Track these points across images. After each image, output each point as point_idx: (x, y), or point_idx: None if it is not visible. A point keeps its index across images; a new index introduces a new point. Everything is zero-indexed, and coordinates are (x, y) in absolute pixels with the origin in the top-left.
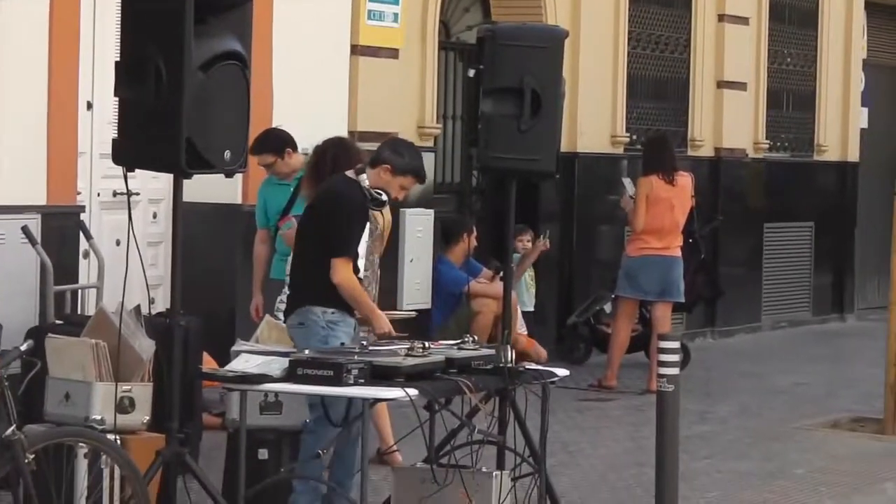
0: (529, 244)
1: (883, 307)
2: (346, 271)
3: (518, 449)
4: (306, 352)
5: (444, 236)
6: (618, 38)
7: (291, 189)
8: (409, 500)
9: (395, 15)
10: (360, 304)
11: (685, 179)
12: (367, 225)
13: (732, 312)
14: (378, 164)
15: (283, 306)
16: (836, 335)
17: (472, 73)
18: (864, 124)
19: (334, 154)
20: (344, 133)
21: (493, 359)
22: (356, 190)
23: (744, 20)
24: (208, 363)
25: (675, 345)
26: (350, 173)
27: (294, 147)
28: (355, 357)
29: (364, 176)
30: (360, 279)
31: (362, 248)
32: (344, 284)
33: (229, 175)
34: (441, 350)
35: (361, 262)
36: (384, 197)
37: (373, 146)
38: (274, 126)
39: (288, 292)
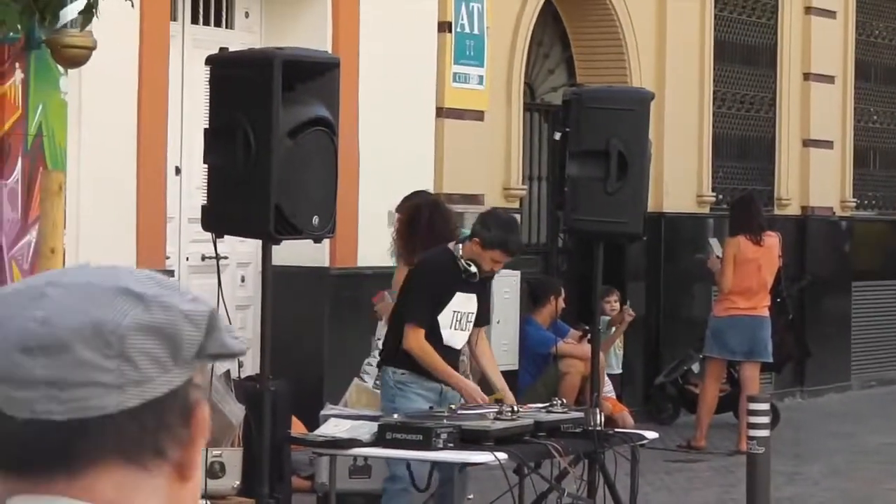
0: (617, 305)
1: None
2: (414, 338)
3: None
4: (395, 416)
5: (533, 297)
6: (703, 98)
7: None
8: None
9: (481, 77)
10: (436, 372)
11: (772, 239)
12: (463, 299)
13: (822, 372)
14: (472, 237)
15: (369, 368)
16: None
17: (558, 135)
18: None
19: (430, 215)
20: None
21: (582, 422)
22: (445, 259)
23: (829, 78)
24: (297, 427)
25: (765, 406)
26: (451, 245)
27: None
28: (444, 421)
29: (460, 246)
30: (449, 349)
31: (447, 318)
32: (412, 350)
33: (318, 240)
34: (530, 413)
35: (448, 333)
36: (473, 269)
37: (459, 208)
38: (420, 189)
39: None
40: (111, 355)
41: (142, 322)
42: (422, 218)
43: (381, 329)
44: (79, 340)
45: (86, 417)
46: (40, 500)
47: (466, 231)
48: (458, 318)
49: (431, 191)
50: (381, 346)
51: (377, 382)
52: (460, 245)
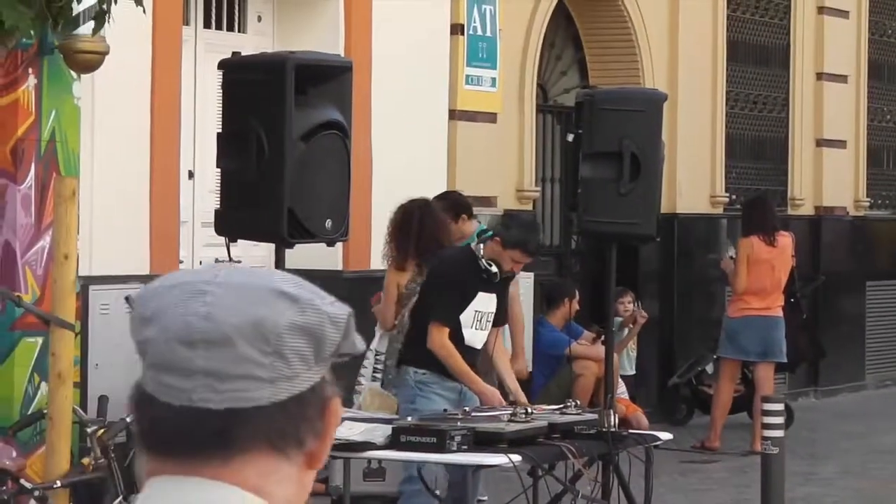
0: (631, 306)
1: None
2: (438, 336)
3: None
4: (409, 419)
5: (547, 299)
6: (716, 99)
7: None
8: None
9: (493, 79)
10: (455, 372)
11: (786, 240)
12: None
13: (836, 372)
14: (493, 237)
15: (365, 371)
16: None
17: (571, 137)
18: None
19: (420, 218)
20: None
21: (596, 423)
22: (465, 259)
23: (842, 78)
24: None
25: (780, 407)
26: (473, 244)
27: (470, 213)
28: (458, 423)
29: (481, 246)
30: (470, 349)
31: (468, 318)
32: (436, 350)
33: (331, 244)
34: (544, 415)
35: (469, 332)
36: (494, 269)
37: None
38: (453, 189)
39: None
40: (268, 352)
41: (296, 322)
42: (413, 221)
43: (378, 339)
44: (240, 336)
45: (241, 408)
46: (189, 481)
47: (482, 226)
48: (479, 318)
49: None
50: (372, 345)
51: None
52: (482, 245)
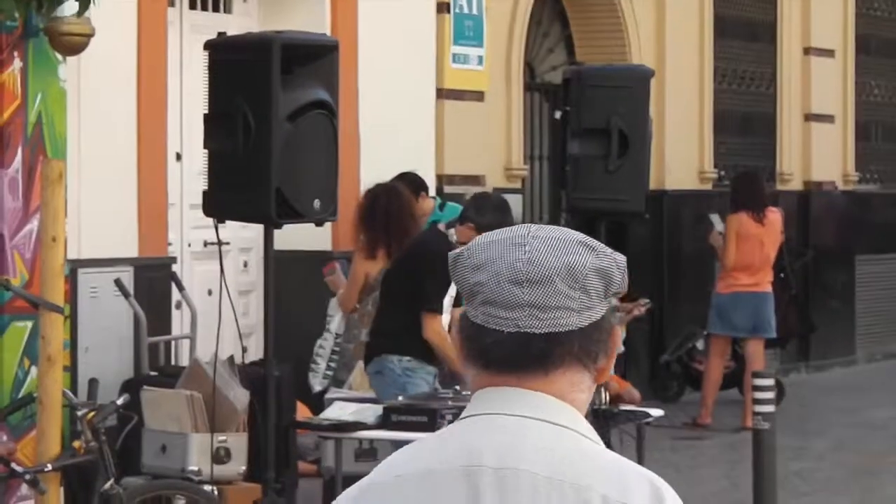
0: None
1: None
2: (437, 326)
3: None
4: (400, 398)
5: None
6: (703, 75)
7: None
8: None
9: (480, 58)
10: (450, 361)
11: (775, 215)
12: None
13: (826, 346)
14: (465, 221)
15: (322, 351)
16: None
17: (558, 114)
18: None
19: (386, 203)
20: (431, 178)
21: None
22: (445, 245)
23: (829, 52)
24: (302, 411)
25: (770, 382)
26: (441, 227)
27: (426, 191)
28: (449, 402)
29: (453, 231)
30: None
31: (446, 304)
32: (433, 340)
33: (319, 224)
34: None
35: (445, 318)
36: None
37: (460, 189)
38: (410, 170)
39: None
40: (576, 288)
41: (595, 265)
42: (378, 205)
43: (333, 308)
44: (557, 276)
45: (557, 332)
46: (515, 391)
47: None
48: (450, 303)
49: (433, 172)
50: (329, 329)
51: (328, 373)
52: (452, 230)
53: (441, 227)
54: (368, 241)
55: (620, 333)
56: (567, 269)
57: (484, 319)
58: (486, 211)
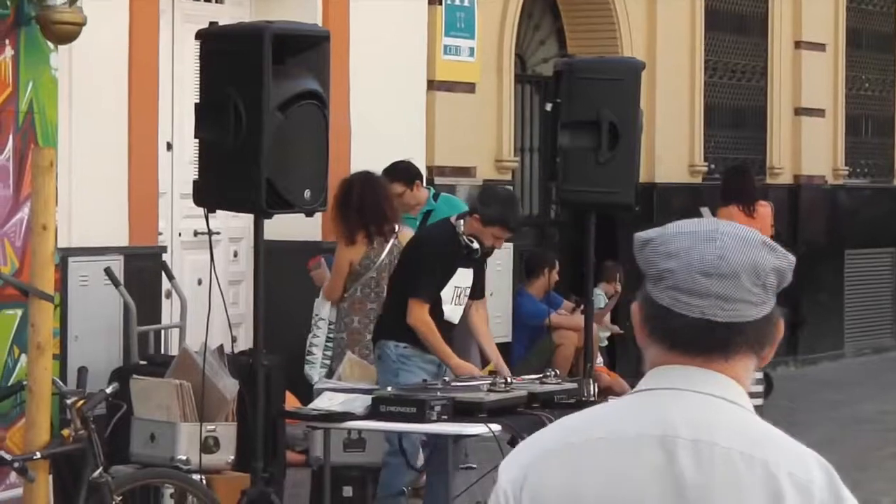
0: (618, 287)
1: None
2: (419, 313)
3: None
4: (389, 389)
5: (526, 270)
6: (694, 68)
7: (417, 223)
8: None
9: (471, 49)
10: (433, 348)
11: (765, 209)
12: (463, 275)
13: (815, 340)
14: (472, 213)
15: (315, 341)
16: None
17: (549, 107)
18: None
19: (361, 189)
20: (422, 169)
21: (576, 392)
22: (447, 235)
23: (820, 46)
24: (291, 401)
25: (759, 376)
26: (453, 219)
27: (422, 180)
28: (437, 393)
29: (462, 222)
30: (448, 324)
31: (448, 294)
32: (417, 326)
33: (310, 214)
34: (523, 385)
35: (449, 308)
36: (475, 245)
37: (451, 181)
38: (403, 159)
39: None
40: (758, 284)
41: (774, 265)
42: (353, 194)
43: (321, 304)
44: (743, 272)
45: (738, 322)
46: (696, 370)
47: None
48: (458, 294)
49: (423, 164)
50: (321, 317)
51: (325, 363)
52: (461, 221)
53: (453, 219)
54: (346, 228)
55: (782, 327)
56: (752, 266)
57: (670, 303)
58: (492, 203)
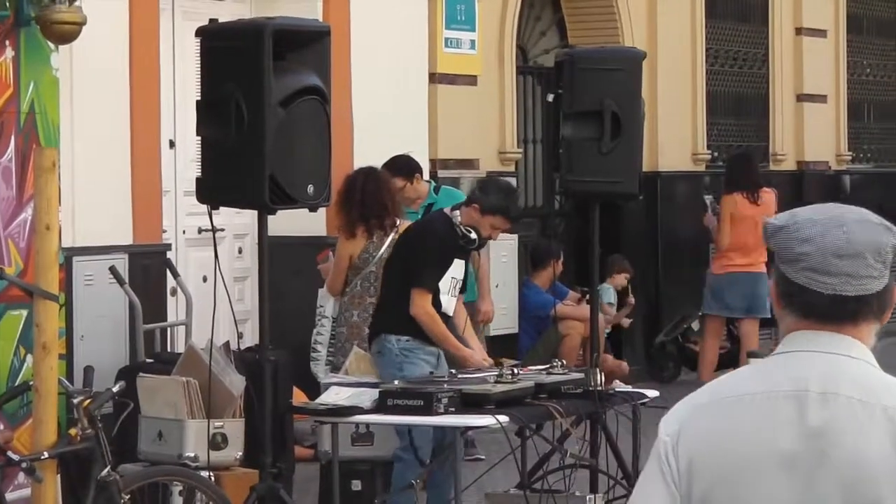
0: (625, 280)
1: None
2: (423, 302)
3: (611, 471)
4: (396, 382)
5: (532, 261)
6: (695, 56)
7: (419, 217)
8: None
9: (472, 42)
10: (437, 339)
11: (769, 196)
12: (458, 266)
13: None
14: (470, 203)
15: (320, 338)
16: None
17: (551, 97)
18: None
19: (363, 182)
20: (425, 162)
21: (583, 382)
22: (445, 226)
23: (821, 32)
24: (298, 397)
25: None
26: (447, 210)
27: (421, 173)
28: (445, 386)
29: (457, 213)
30: (446, 316)
31: (445, 285)
32: (420, 317)
33: (313, 209)
34: (530, 375)
35: (445, 299)
36: (473, 235)
37: (454, 174)
38: (403, 153)
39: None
40: (879, 261)
41: (893, 243)
42: (356, 186)
43: (324, 297)
44: (868, 252)
45: (864, 295)
46: (828, 333)
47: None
48: (454, 285)
49: (426, 157)
50: (324, 314)
51: (329, 359)
52: (457, 212)
53: (447, 210)
54: (347, 221)
55: None
56: (875, 246)
57: (806, 282)
58: (491, 193)
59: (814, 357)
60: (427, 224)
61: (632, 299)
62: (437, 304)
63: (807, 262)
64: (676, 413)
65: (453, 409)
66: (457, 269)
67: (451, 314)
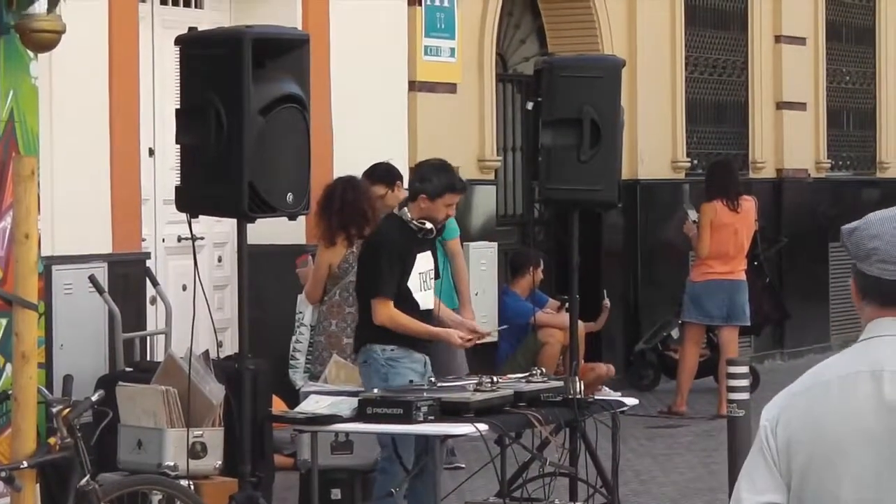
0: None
1: None
2: (384, 310)
3: (590, 479)
4: (375, 391)
5: (512, 269)
6: (675, 64)
7: None
8: None
9: (452, 50)
10: (413, 334)
11: (749, 204)
12: (423, 259)
13: (801, 333)
14: (416, 198)
15: (298, 346)
16: None
17: (530, 105)
18: None
19: (342, 191)
20: (405, 170)
21: (562, 390)
22: (393, 227)
23: (800, 40)
24: (278, 405)
25: (744, 369)
26: (395, 211)
27: (401, 180)
28: (424, 394)
29: (406, 210)
30: (426, 311)
31: (415, 282)
32: (385, 324)
33: (293, 217)
34: (509, 384)
35: (420, 296)
36: (428, 225)
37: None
38: (383, 160)
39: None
40: None
41: None
42: (335, 195)
43: (302, 304)
44: None
45: None
46: None
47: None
48: (424, 280)
49: (406, 165)
50: (303, 322)
51: (308, 368)
52: (405, 209)
53: (395, 211)
54: (326, 230)
55: None
56: None
57: (879, 273)
58: (430, 177)
59: (891, 341)
60: (375, 233)
61: (607, 302)
62: (413, 304)
63: (878, 255)
64: (775, 401)
65: (433, 418)
66: (423, 263)
67: (431, 307)
